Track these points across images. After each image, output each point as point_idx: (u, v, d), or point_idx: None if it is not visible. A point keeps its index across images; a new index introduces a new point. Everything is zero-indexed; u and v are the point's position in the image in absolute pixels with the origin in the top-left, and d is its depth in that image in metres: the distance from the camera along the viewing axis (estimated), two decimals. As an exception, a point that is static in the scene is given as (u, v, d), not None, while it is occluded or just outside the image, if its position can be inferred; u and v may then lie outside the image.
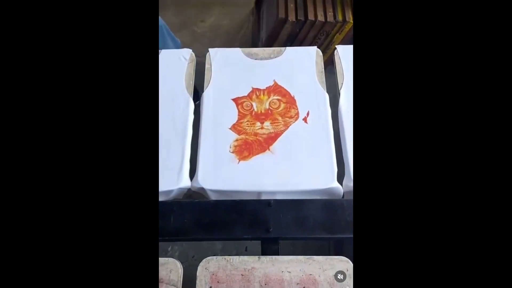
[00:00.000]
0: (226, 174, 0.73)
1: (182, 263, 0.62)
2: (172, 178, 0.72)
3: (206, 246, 1.24)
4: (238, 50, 0.90)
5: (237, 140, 0.77)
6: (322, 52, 0.90)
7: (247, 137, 0.77)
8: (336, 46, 0.89)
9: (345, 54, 0.86)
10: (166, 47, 1.25)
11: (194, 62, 0.88)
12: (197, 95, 0.84)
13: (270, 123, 0.79)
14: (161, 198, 0.71)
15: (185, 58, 0.88)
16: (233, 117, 0.80)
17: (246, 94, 0.83)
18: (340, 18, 1.41)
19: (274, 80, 0.85)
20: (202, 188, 0.72)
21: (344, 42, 1.46)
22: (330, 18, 1.41)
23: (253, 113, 0.80)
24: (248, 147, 0.76)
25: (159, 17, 1.21)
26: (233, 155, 0.75)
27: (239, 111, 0.81)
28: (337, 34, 1.46)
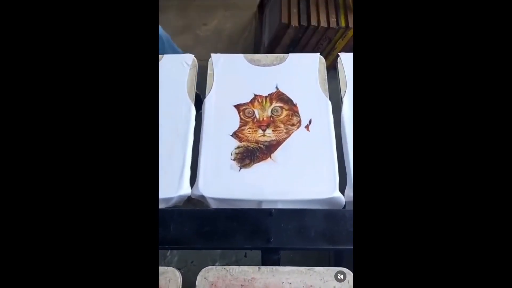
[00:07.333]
0: (227, 182, 0.72)
1: (181, 268, 0.61)
2: (173, 185, 0.71)
3: (205, 252, 1.23)
4: (240, 56, 0.89)
5: (238, 147, 0.76)
6: (324, 58, 0.89)
7: (248, 144, 0.77)
8: (339, 53, 0.88)
9: (348, 62, 0.86)
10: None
11: (196, 68, 0.88)
12: (199, 102, 0.83)
13: (272, 130, 0.78)
14: (161, 206, 0.70)
15: (187, 64, 0.87)
16: (235, 124, 0.79)
17: (248, 101, 0.82)
18: (342, 24, 1.41)
19: (276, 87, 0.84)
20: (203, 196, 0.71)
21: (346, 48, 1.46)
22: (332, 24, 1.41)
23: (255, 120, 0.80)
24: (249, 154, 0.75)
25: (161, 28, 1.20)
26: (234, 162, 0.74)
27: (241, 118, 0.80)
28: (340, 40, 1.45)
